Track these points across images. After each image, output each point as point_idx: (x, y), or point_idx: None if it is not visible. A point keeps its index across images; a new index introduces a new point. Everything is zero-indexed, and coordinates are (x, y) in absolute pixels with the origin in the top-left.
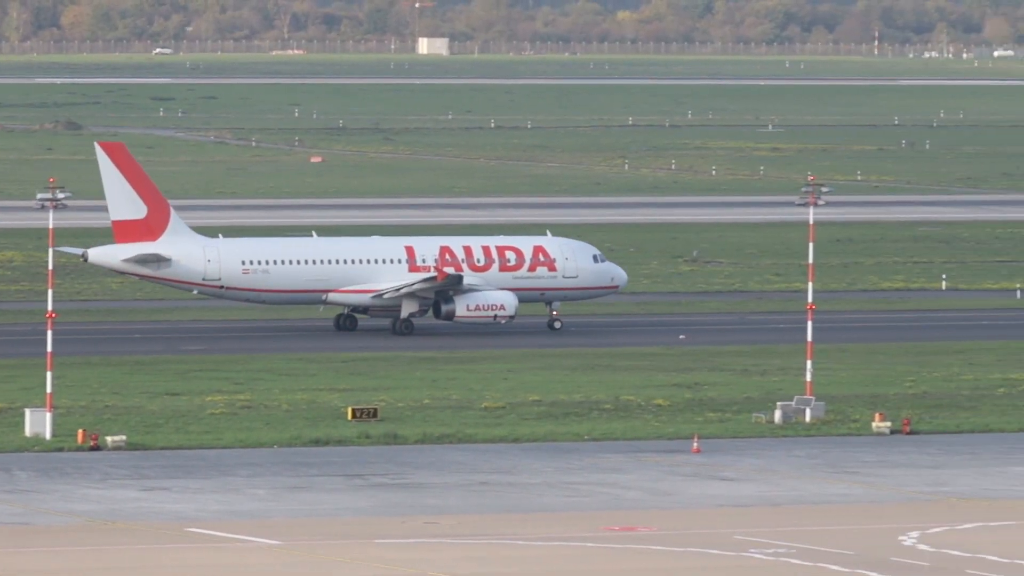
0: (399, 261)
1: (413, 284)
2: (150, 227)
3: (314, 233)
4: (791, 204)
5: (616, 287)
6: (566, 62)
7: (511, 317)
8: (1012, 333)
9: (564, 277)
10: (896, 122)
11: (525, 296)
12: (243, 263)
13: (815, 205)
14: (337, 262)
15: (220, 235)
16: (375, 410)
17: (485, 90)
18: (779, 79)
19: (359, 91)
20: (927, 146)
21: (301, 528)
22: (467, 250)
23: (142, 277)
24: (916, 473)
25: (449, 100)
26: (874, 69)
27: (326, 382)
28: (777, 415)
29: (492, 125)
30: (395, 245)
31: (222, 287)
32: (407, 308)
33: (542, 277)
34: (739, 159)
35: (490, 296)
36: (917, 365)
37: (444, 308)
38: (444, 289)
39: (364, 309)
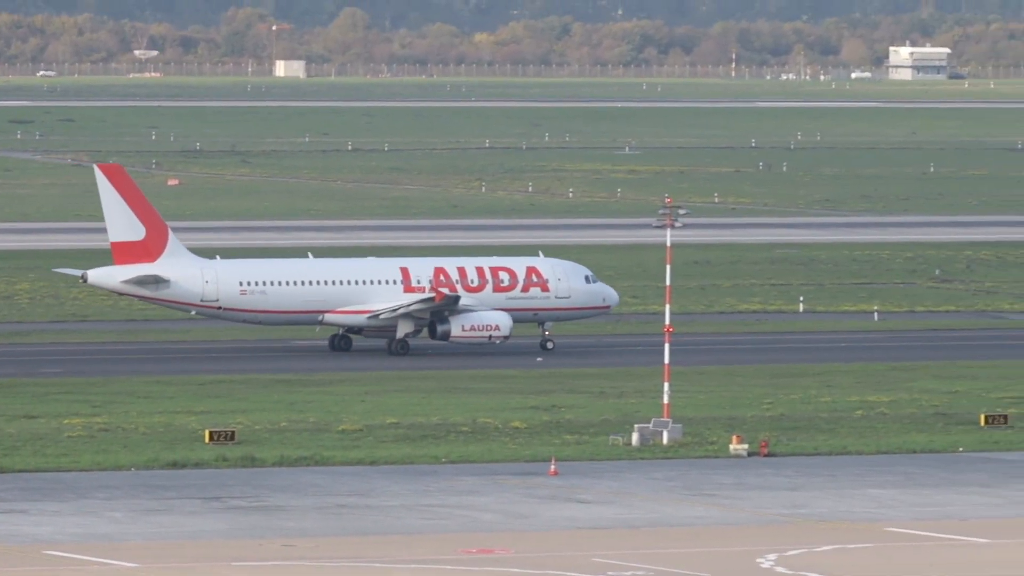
0: (394, 282)
1: (410, 305)
2: (148, 249)
3: (310, 254)
4: (648, 226)
5: (608, 307)
6: (423, 84)
7: (505, 337)
8: (869, 355)
9: (557, 298)
10: (753, 144)
11: (518, 316)
12: (241, 284)
13: (672, 227)
14: (333, 283)
15: (217, 256)
16: (232, 433)
17: (342, 112)
18: (636, 101)
19: (216, 113)
20: (784, 168)
21: (159, 551)
22: (461, 271)
23: (141, 298)
24: (774, 495)
25: (306, 122)
26: (731, 91)
27: (183, 405)
28: (635, 437)
29: (349, 148)
30: (390, 266)
31: (220, 308)
32: (403, 328)
33: (535, 298)
34: (596, 181)
35: (485, 316)
36: (775, 387)
37: (440, 328)
38: (440, 310)
39: (358, 330)
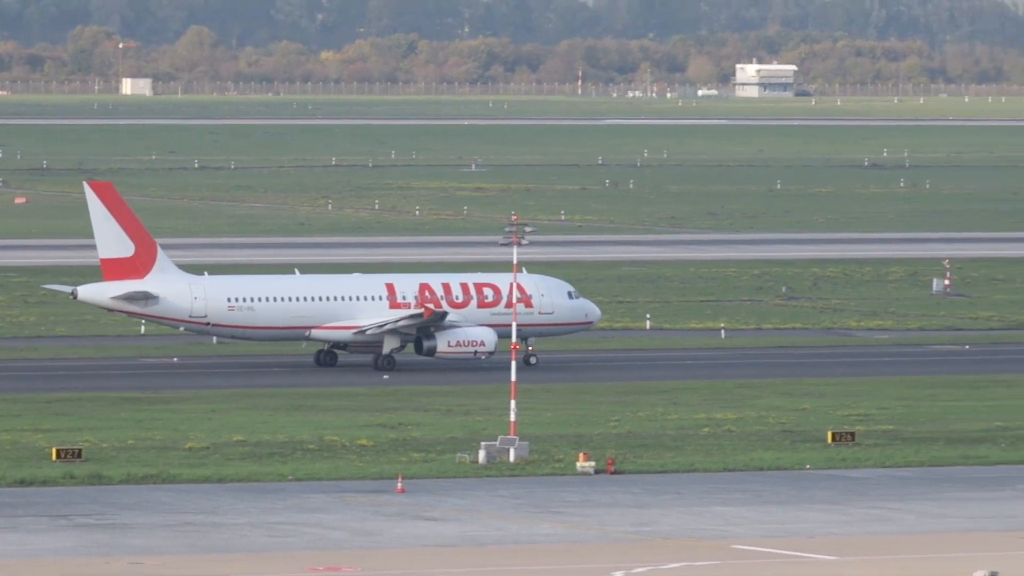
0: (380, 298)
1: (398, 320)
2: (138, 265)
3: (296, 271)
4: (495, 244)
5: (590, 323)
6: (270, 102)
7: (491, 353)
8: (716, 373)
9: (540, 313)
10: (600, 162)
11: (503, 332)
12: (229, 300)
13: (519, 244)
14: (320, 299)
15: (205, 272)
16: (79, 450)
17: (188, 130)
18: (483, 119)
19: (63, 131)
20: (631, 186)
21: (4, 569)
22: (446, 287)
23: (130, 314)
24: (621, 513)
25: (153, 140)
26: (578, 109)
27: (30, 422)
28: (481, 455)
29: (196, 165)
30: (376, 282)
31: (208, 324)
32: (389, 344)
33: (519, 313)
34: (443, 199)
35: (470, 332)
36: (622, 405)
37: (426, 344)
38: (427, 325)
39: (344, 345)
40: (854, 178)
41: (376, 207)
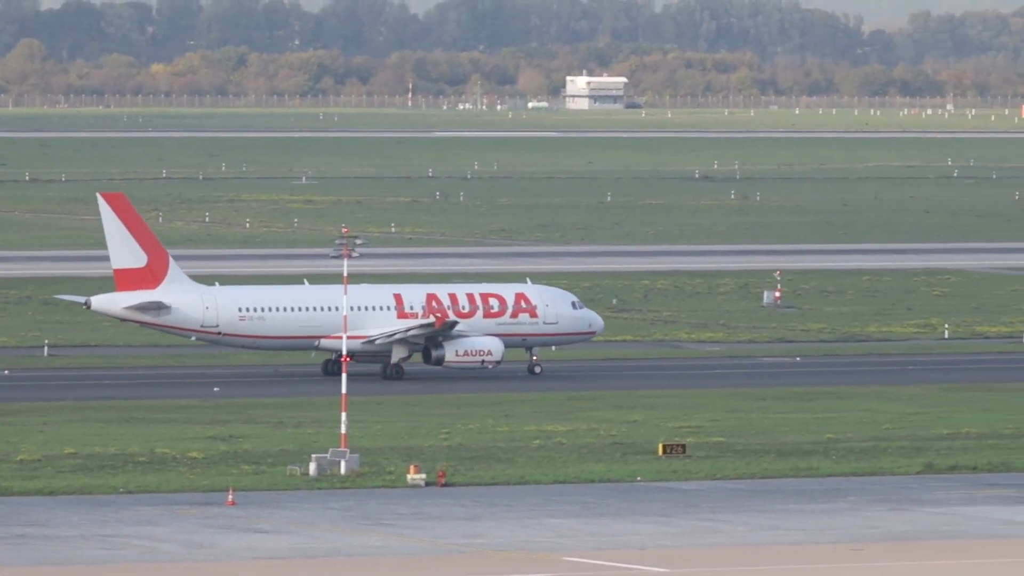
0: (388, 308)
1: (409, 329)
2: (150, 275)
3: (305, 281)
4: (326, 256)
5: (593, 333)
6: (100, 115)
7: (498, 362)
8: (547, 385)
9: (545, 323)
10: (430, 174)
11: (507, 342)
12: (240, 310)
13: (350, 257)
14: (329, 309)
15: (216, 283)
16: None
17: (19, 143)
18: (313, 131)
19: None
20: (461, 198)
21: None
22: (452, 297)
23: (143, 324)
24: (451, 525)
25: None
26: (408, 121)
27: None
28: (312, 467)
29: (26, 178)
30: (384, 292)
31: (220, 333)
32: (397, 353)
33: (524, 323)
34: (273, 211)
35: (478, 342)
36: (452, 417)
37: (434, 354)
38: (438, 335)
39: (351, 355)
40: (685, 190)
41: (206, 219)
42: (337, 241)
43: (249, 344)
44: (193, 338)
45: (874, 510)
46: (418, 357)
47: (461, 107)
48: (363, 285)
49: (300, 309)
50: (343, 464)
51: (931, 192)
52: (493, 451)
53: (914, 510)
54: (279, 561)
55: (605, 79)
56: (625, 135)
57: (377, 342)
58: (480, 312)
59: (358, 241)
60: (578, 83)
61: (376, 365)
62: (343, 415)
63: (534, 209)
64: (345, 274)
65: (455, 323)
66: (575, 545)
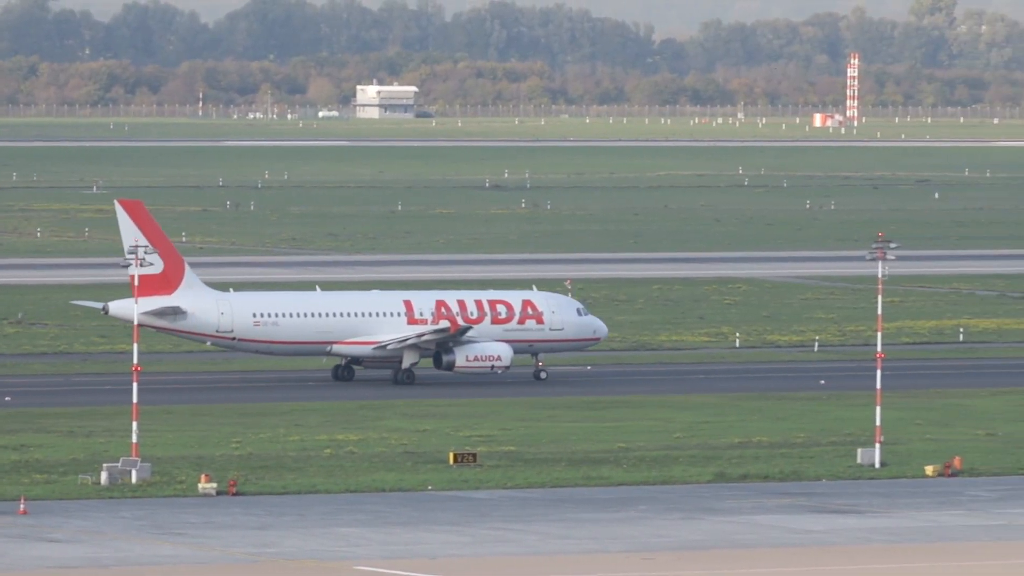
0: (398, 314)
1: (422, 335)
2: (166, 281)
3: (318, 287)
4: (117, 265)
5: (597, 339)
6: None
7: (507, 367)
8: (338, 394)
9: (551, 330)
10: (221, 183)
11: (514, 348)
12: (254, 316)
13: (141, 266)
14: (341, 315)
15: (231, 289)
16: None
17: None
18: (104, 141)
19: None
20: (252, 207)
21: None
22: (461, 304)
23: (159, 329)
24: (242, 534)
25: None
26: (199, 130)
27: None
28: (103, 477)
29: None
30: (395, 299)
31: (234, 339)
32: (408, 358)
33: (530, 329)
34: (64, 221)
35: (488, 347)
36: (243, 426)
37: (445, 359)
38: (450, 340)
39: (359, 360)
40: (475, 199)
41: None
42: (128, 250)
43: (263, 349)
44: (208, 343)
45: (665, 519)
46: (429, 362)
47: (252, 116)
48: (373, 292)
49: (313, 315)
50: (134, 473)
51: (722, 201)
52: (284, 460)
53: (705, 519)
54: (71, 570)
55: (395, 88)
56: (416, 144)
57: (389, 347)
58: (488, 318)
59: (149, 250)
60: (368, 92)
61: (385, 371)
62: (134, 424)
63: (325, 218)
64: (135, 284)
65: (468, 329)
66: (366, 554)
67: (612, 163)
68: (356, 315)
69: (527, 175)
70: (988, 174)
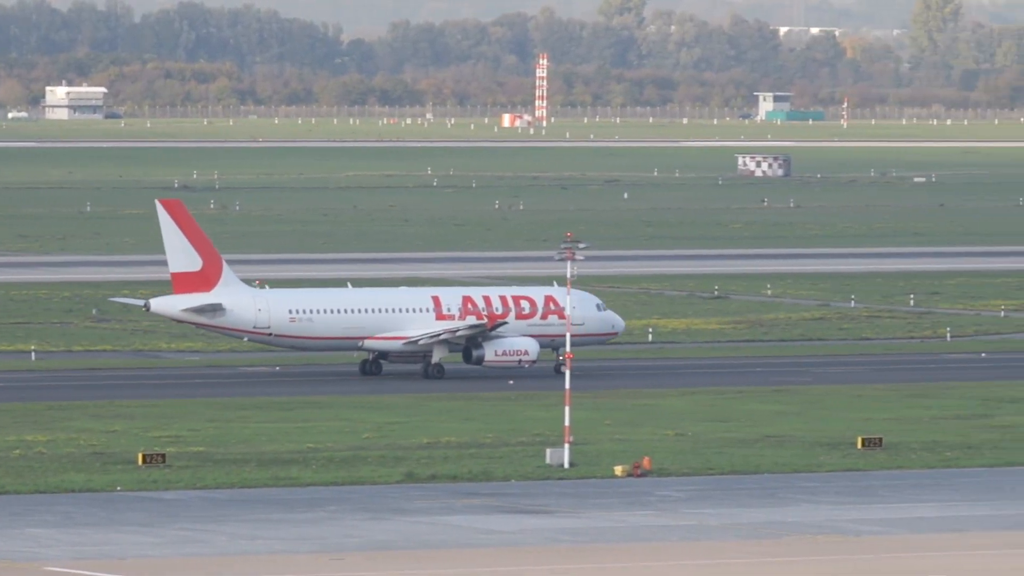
0: (427, 310)
1: (458, 330)
2: (205, 279)
3: (349, 284)
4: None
5: (616, 333)
6: None
7: (533, 362)
8: (27, 395)
9: (572, 325)
10: None
11: (539, 343)
12: (290, 312)
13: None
14: (372, 311)
15: (266, 286)
16: None
17: None
18: None
19: None
20: None
21: None
22: (487, 299)
23: (198, 325)
24: None
25: None
26: None
27: None
28: None
29: None
30: (423, 295)
31: (271, 335)
32: (438, 353)
33: (553, 324)
34: None
35: (515, 342)
36: None
37: (474, 353)
38: (477, 335)
39: (385, 355)
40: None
41: None
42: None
43: (298, 345)
44: (245, 339)
45: (355, 519)
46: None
47: None
48: (401, 288)
49: (346, 311)
50: None
51: (411, 201)
52: None
53: (395, 519)
54: None
55: (85, 89)
56: (105, 145)
57: (420, 342)
58: (513, 314)
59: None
60: (58, 93)
61: (413, 365)
62: None
63: (15, 219)
64: None
65: (503, 323)
66: (56, 555)
67: (301, 164)
68: (386, 311)
69: (216, 176)
70: (677, 174)
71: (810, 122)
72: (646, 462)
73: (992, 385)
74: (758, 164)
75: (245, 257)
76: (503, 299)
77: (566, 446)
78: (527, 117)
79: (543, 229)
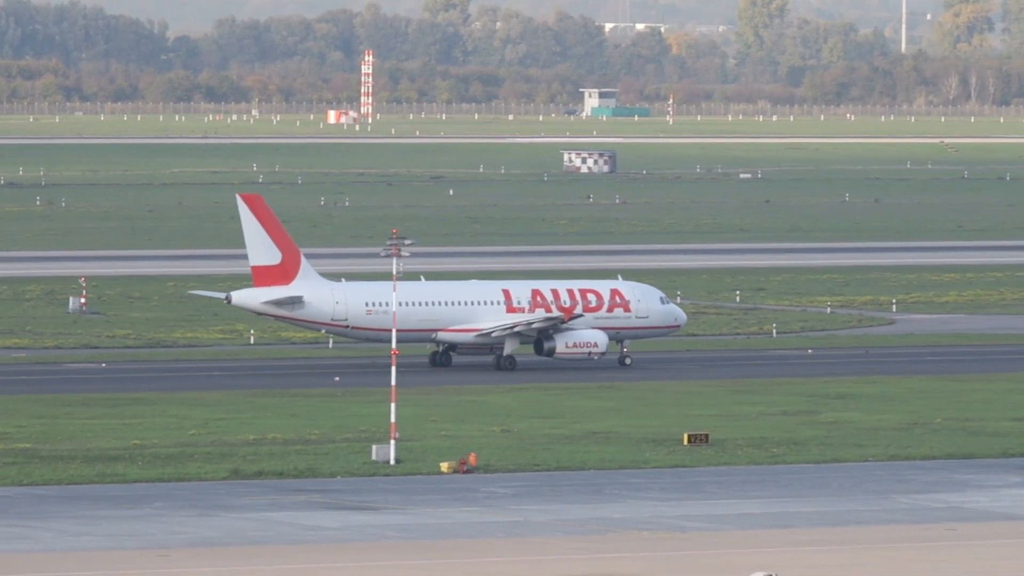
0: (498, 303)
1: (533, 322)
2: (284, 272)
3: (422, 277)
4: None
5: (678, 326)
6: None
7: (602, 354)
8: None
9: (637, 317)
10: None
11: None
12: (367, 304)
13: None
14: (445, 303)
15: (343, 279)
16: None
17: None
18: None
19: None
20: None
21: None
22: (555, 293)
23: (277, 318)
24: None
25: None
26: None
27: None
28: None
29: None
30: (494, 288)
31: (348, 327)
32: (510, 345)
33: (618, 317)
34: None
35: (585, 335)
36: None
37: (546, 345)
38: (548, 328)
39: (455, 347)
40: None
41: None
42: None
43: (373, 337)
44: (323, 331)
45: (181, 516)
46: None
47: None
48: (472, 281)
49: (420, 304)
50: None
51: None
52: None
53: (221, 516)
54: None
55: None
56: None
57: (493, 334)
58: (579, 307)
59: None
60: None
61: (484, 357)
62: None
63: None
64: None
65: (579, 316)
66: None
67: (127, 161)
68: (459, 304)
69: (42, 173)
70: (503, 171)
71: (636, 118)
72: (472, 458)
73: (818, 381)
74: (584, 160)
75: (69, 254)
76: (571, 292)
77: (392, 442)
78: (353, 114)
79: (369, 225)
